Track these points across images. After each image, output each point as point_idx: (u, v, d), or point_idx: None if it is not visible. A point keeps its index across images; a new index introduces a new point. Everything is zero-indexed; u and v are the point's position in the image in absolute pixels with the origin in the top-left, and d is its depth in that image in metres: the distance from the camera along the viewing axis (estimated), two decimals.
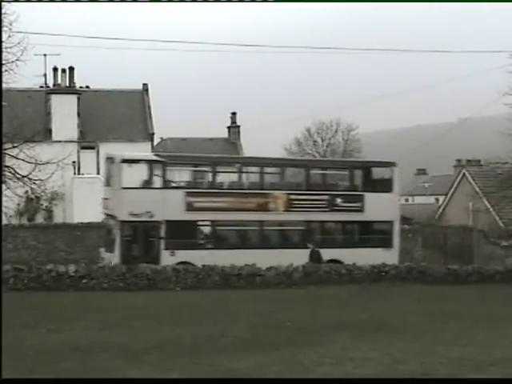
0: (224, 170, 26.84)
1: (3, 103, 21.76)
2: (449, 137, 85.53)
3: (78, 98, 39.15)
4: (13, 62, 21.33)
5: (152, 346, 11.96)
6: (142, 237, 24.20)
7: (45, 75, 42.66)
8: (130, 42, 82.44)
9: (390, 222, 26.74)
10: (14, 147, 21.87)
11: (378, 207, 26.24)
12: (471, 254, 32.35)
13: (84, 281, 20.56)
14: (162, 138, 48.75)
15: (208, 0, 28.93)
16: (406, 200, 73.36)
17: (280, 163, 28.78)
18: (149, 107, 42.14)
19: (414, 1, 59.37)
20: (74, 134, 38.45)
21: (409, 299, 19.53)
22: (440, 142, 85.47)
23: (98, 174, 35.30)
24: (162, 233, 23.83)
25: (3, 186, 23.40)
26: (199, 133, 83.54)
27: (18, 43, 21.36)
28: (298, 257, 23.03)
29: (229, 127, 51.31)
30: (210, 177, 25.77)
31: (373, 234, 26.99)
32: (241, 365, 10.55)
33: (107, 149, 34.47)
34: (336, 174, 28.69)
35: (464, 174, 43.11)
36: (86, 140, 38.97)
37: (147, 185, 24.42)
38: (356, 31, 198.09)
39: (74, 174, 36.97)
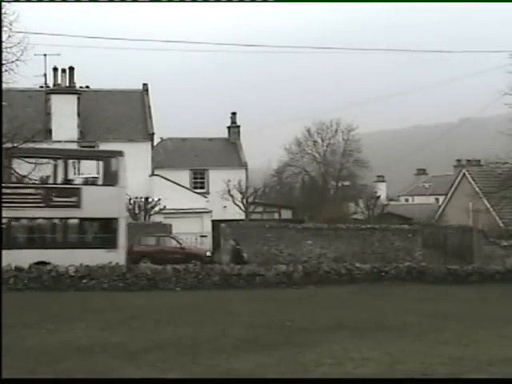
0: None
1: (3, 103, 21.69)
2: (449, 137, 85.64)
3: (78, 98, 39.21)
4: (13, 61, 21.26)
5: (152, 346, 11.94)
6: None
7: (45, 75, 42.82)
8: (130, 41, 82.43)
9: (115, 220, 24.28)
10: (14, 147, 21.81)
11: (99, 203, 23.89)
12: (471, 254, 32.34)
13: (84, 281, 20.58)
14: (162, 138, 48.82)
15: (208, 0, 28.95)
16: (406, 200, 73.38)
17: None
18: (149, 107, 42.19)
19: (414, 1, 59.34)
20: (74, 133, 38.49)
21: (409, 299, 19.54)
22: (440, 142, 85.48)
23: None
24: None
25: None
26: (199, 133, 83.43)
27: (18, 43, 21.30)
28: None
29: (229, 127, 51.37)
30: None
31: (93, 233, 24.68)
32: (241, 365, 10.53)
33: (107, 149, 34.53)
34: (49, 165, 24.92)
35: (464, 173, 43.08)
36: (86, 140, 38.99)
37: None
38: (356, 32, 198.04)
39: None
